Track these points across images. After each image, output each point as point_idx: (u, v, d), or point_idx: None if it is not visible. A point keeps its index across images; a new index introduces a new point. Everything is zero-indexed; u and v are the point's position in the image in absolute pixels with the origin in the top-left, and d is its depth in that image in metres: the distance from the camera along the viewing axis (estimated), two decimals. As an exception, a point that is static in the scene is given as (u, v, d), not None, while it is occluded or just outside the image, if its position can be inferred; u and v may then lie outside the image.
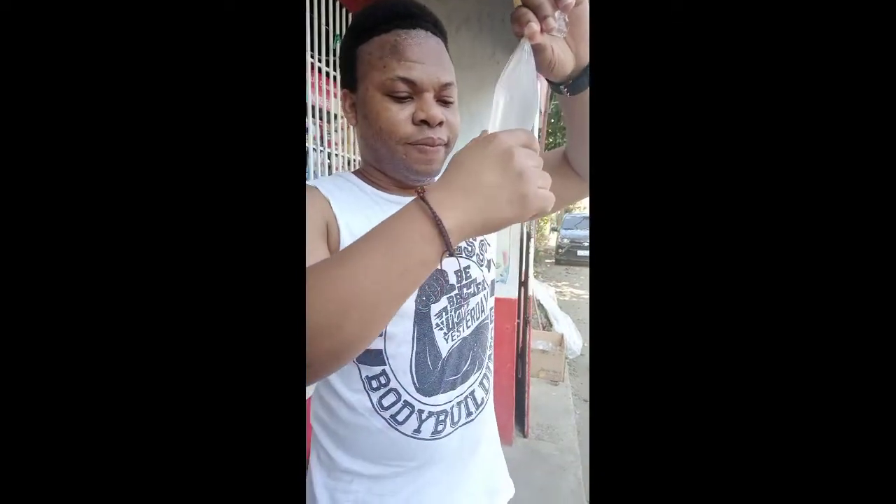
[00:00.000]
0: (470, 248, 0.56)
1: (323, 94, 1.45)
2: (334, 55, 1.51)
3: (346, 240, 0.48)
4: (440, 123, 0.48)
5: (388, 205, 0.52)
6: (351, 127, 1.77)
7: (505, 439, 2.12)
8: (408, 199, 0.51)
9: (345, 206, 0.50)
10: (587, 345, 3.83)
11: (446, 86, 0.49)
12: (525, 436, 2.22)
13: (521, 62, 0.36)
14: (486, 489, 0.60)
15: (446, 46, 0.51)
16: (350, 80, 0.51)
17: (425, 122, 0.47)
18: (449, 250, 0.31)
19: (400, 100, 0.47)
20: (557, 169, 0.59)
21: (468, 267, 0.55)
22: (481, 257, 0.57)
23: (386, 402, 0.50)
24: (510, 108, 0.35)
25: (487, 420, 0.60)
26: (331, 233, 0.48)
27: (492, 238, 0.60)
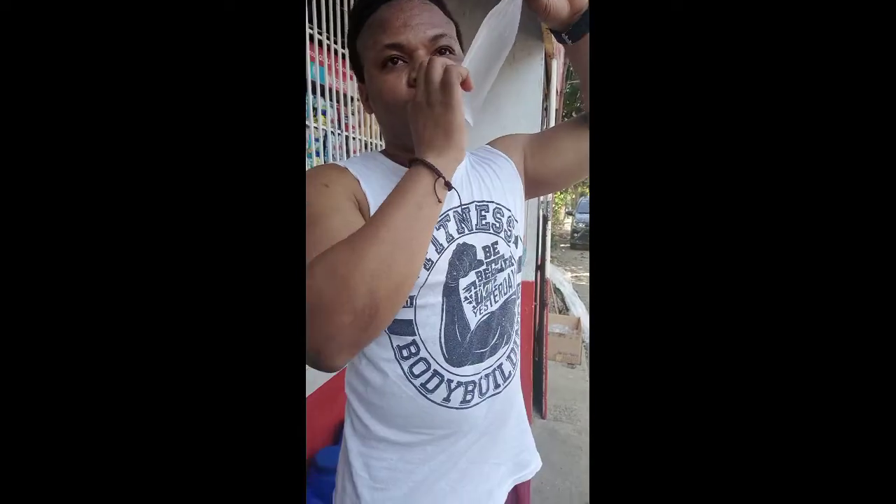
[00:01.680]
0: (498, 225, 0.56)
1: (340, 77, 1.45)
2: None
3: None
4: None
5: None
6: (367, 110, 1.76)
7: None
8: None
9: (374, 185, 0.50)
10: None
11: (437, 38, 0.48)
12: (543, 417, 2.24)
13: (511, 3, 0.42)
14: (513, 460, 0.61)
15: (441, 4, 0.51)
16: (360, 74, 0.53)
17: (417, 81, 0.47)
18: (440, 177, 0.41)
19: (393, 68, 0.47)
20: (577, 132, 0.60)
21: (496, 243, 0.55)
22: (509, 233, 0.57)
23: (416, 371, 0.52)
24: (486, 42, 0.42)
25: (515, 394, 0.60)
26: (363, 210, 0.49)
27: (519, 215, 0.60)
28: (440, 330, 0.51)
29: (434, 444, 0.54)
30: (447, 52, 0.49)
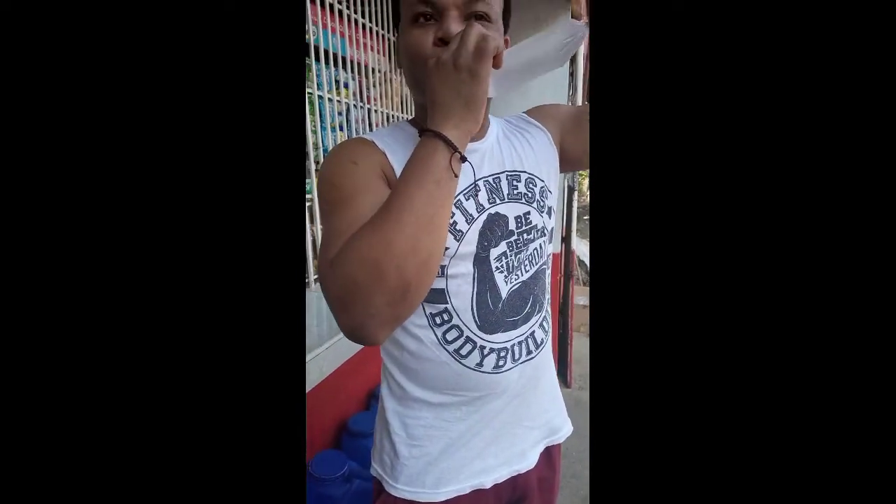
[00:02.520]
0: (530, 195, 0.55)
1: (361, 48, 1.43)
2: (370, 5, 1.47)
3: None
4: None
5: None
6: (390, 81, 1.74)
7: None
8: (467, 150, 0.52)
9: (401, 156, 0.50)
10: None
11: (472, 1, 0.46)
12: (568, 386, 2.27)
13: (573, 42, 0.43)
14: (546, 424, 0.62)
15: None
16: (396, 24, 0.51)
17: (443, 41, 0.45)
18: (457, 151, 0.41)
19: (424, 23, 0.46)
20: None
21: (528, 213, 0.55)
22: (542, 203, 0.56)
23: (450, 337, 0.53)
24: (535, 49, 0.43)
25: (547, 360, 0.61)
26: (391, 184, 0.49)
27: (553, 186, 0.59)
28: (472, 298, 0.52)
29: (468, 405, 0.55)
30: (483, 19, 0.47)
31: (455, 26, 0.45)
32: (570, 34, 0.42)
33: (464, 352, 0.53)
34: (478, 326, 0.52)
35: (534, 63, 0.43)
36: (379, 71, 1.56)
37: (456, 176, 0.41)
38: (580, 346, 2.64)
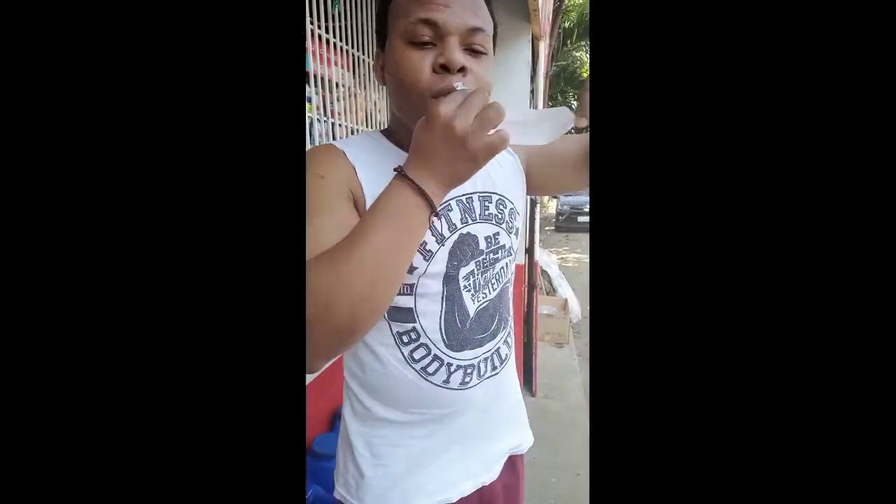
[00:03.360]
0: (500, 216, 0.57)
1: (324, 63, 1.42)
2: (334, 21, 1.46)
3: None
4: (461, 70, 0.44)
5: None
6: (354, 96, 1.73)
7: (514, 399, 2.20)
8: None
9: (372, 172, 0.49)
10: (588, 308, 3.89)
11: (474, 31, 0.44)
12: (533, 395, 2.31)
13: (562, 126, 0.42)
14: (509, 436, 0.64)
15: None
16: (382, 40, 0.49)
17: (444, 68, 0.44)
18: (434, 212, 0.39)
19: (421, 45, 0.44)
20: (582, 162, 0.58)
21: (498, 234, 0.56)
22: (510, 224, 0.58)
23: (417, 356, 0.53)
24: (528, 125, 0.42)
25: (510, 374, 0.63)
26: (357, 200, 0.48)
27: (520, 208, 0.61)
28: (440, 317, 0.52)
29: (434, 422, 0.56)
30: (479, 55, 0.46)
31: (458, 55, 0.44)
32: (562, 121, 0.42)
33: (431, 370, 0.53)
34: (446, 345, 0.53)
35: (519, 132, 0.42)
36: (343, 86, 1.56)
37: (426, 228, 0.40)
38: (545, 355, 2.70)
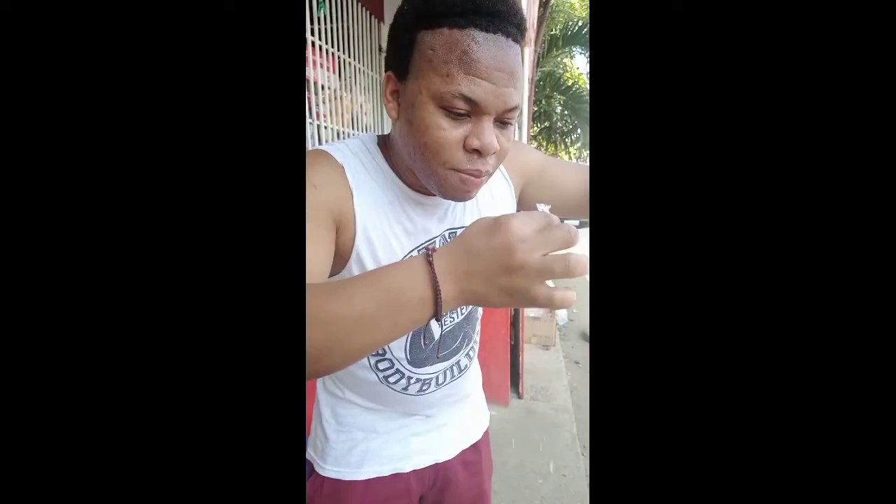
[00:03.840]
0: None
1: (310, 65, 1.42)
2: (320, 23, 1.47)
3: (361, 245, 0.47)
4: (493, 153, 0.43)
5: (413, 207, 0.50)
6: (340, 99, 1.73)
7: (501, 401, 2.21)
8: (434, 203, 0.50)
9: (367, 204, 0.47)
10: (577, 311, 3.93)
11: (512, 110, 0.42)
12: (520, 397, 2.31)
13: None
14: (470, 427, 0.68)
15: (521, 51, 0.44)
16: (400, 67, 0.43)
17: (477, 151, 0.42)
18: (438, 318, 0.33)
19: (455, 117, 0.41)
20: (581, 187, 0.57)
21: None
22: None
23: (381, 367, 0.56)
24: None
25: (472, 376, 0.66)
26: (345, 229, 0.46)
27: None
28: (407, 339, 0.55)
29: (395, 419, 0.61)
30: (508, 126, 0.44)
31: (494, 141, 0.42)
32: None
33: (392, 380, 0.56)
34: (408, 362, 0.55)
35: None
36: (329, 88, 1.56)
37: (417, 327, 0.35)
38: (532, 357, 2.71)
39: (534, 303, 0.31)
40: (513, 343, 2.32)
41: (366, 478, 0.58)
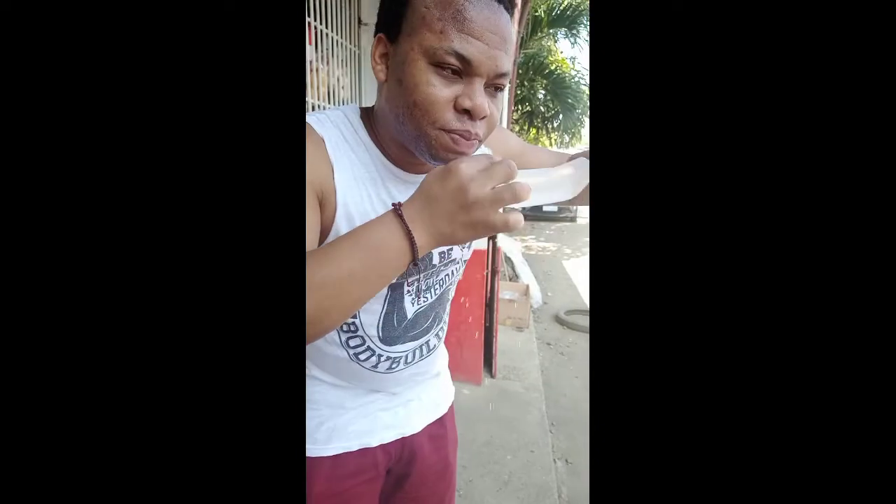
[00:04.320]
0: None
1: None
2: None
3: (341, 221, 0.47)
4: (483, 117, 0.43)
5: (395, 184, 0.50)
6: (316, 71, 1.67)
7: (474, 380, 2.26)
8: (416, 181, 0.50)
9: (347, 180, 0.47)
10: (551, 294, 4.02)
11: (501, 76, 0.43)
12: (493, 376, 2.37)
13: (580, 176, 0.41)
14: (434, 401, 0.69)
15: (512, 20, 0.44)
16: (392, 27, 0.43)
17: (468, 112, 0.42)
18: (415, 263, 0.38)
19: (447, 76, 0.41)
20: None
21: (451, 249, 0.57)
22: None
23: (352, 343, 0.56)
24: (548, 184, 0.41)
25: (438, 353, 0.67)
26: (326, 205, 0.46)
27: None
28: (380, 317, 0.55)
29: (363, 396, 0.61)
30: (498, 92, 0.45)
31: (485, 103, 0.42)
32: (583, 171, 0.42)
33: (362, 357, 0.57)
34: (380, 339, 0.56)
35: (543, 193, 0.41)
36: (306, 60, 1.50)
37: (399, 273, 0.39)
38: (505, 338, 2.77)
39: (493, 229, 0.36)
40: (487, 325, 2.36)
41: (333, 454, 0.59)
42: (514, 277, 3.86)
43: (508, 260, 4.08)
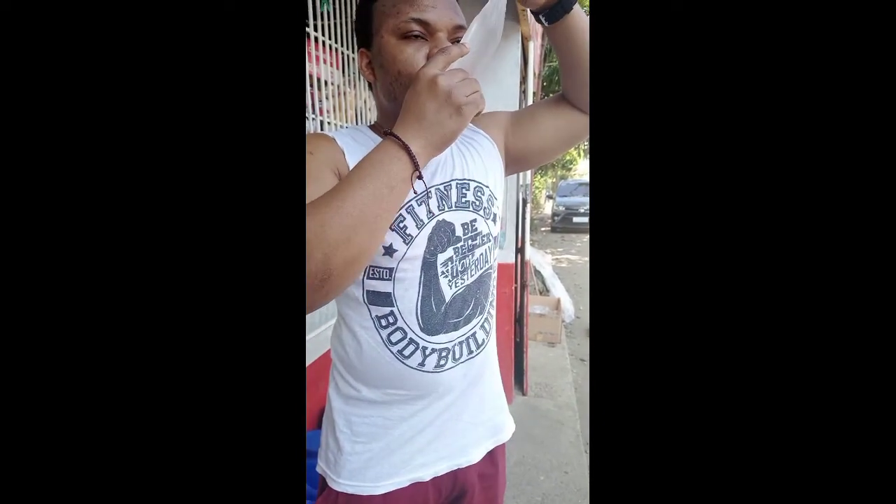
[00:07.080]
0: (478, 203, 0.58)
1: (312, 61, 1.42)
2: (323, 19, 1.47)
3: None
4: None
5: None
6: (344, 94, 1.73)
7: (506, 398, 2.20)
8: None
9: (358, 158, 0.51)
10: (583, 308, 3.91)
11: (458, 28, 0.50)
12: (525, 394, 2.31)
13: (497, 3, 0.47)
14: (488, 421, 0.64)
15: None
16: (366, 38, 0.53)
17: None
18: (417, 170, 0.43)
19: (415, 42, 0.49)
20: (556, 110, 0.62)
21: (475, 220, 0.57)
22: (488, 210, 0.59)
23: (394, 339, 0.55)
24: (479, 30, 0.47)
25: (489, 359, 0.63)
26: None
27: (499, 192, 0.61)
28: (417, 302, 0.54)
29: (411, 404, 0.57)
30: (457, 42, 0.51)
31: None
32: (493, 6, 0.47)
33: (406, 353, 0.55)
34: (421, 328, 0.55)
35: (481, 49, 0.48)
36: (332, 83, 1.56)
37: (411, 188, 0.43)
38: (536, 354, 2.71)
39: (476, 107, 0.43)
40: (518, 340, 2.32)
41: (384, 491, 0.56)
42: (545, 291, 3.79)
43: (538, 273, 4.02)
